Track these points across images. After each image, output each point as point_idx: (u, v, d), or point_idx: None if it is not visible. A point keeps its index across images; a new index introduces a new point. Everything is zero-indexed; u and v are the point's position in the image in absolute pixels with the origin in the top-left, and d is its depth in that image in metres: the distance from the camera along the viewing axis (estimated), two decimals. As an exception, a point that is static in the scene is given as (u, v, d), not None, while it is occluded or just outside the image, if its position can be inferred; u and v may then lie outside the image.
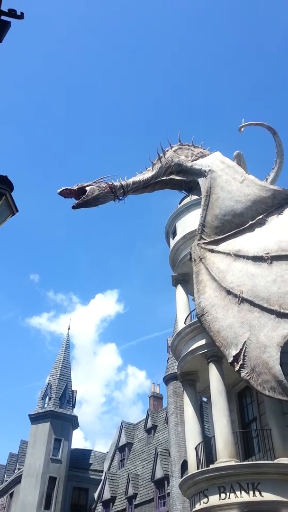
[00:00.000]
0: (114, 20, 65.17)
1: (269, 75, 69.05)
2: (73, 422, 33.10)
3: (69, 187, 15.07)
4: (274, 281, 12.57)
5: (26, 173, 75.78)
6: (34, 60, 69.07)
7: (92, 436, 78.66)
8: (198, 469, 12.83)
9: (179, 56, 68.51)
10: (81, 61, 70.36)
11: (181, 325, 15.43)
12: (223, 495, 11.24)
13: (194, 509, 12.26)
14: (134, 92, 72.86)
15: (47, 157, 78.10)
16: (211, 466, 11.96)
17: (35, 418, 32.04)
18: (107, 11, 64.21)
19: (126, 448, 30.58)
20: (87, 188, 15.07)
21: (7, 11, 5.72)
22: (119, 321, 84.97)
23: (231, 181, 15.09)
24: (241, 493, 10.99)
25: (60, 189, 15.01)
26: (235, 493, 11.06)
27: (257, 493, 10.86)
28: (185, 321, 15.36)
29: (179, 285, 16.76)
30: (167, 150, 17.17)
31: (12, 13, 5.74)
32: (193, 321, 14.39)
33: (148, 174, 16.53)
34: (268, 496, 10.77)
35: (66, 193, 15.07)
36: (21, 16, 7.73)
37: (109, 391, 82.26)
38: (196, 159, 16.88)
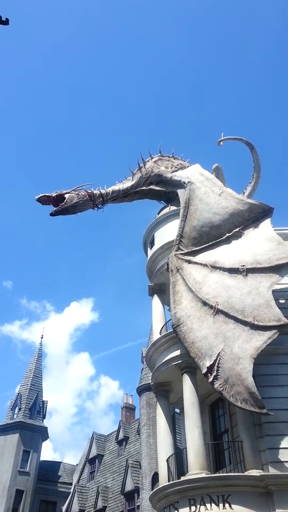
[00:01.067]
0: (101, 25, 65.74)
1: (251, 89, 70.77)
2: (43, 434, 32.47)
3: (47, 194, 14.94)
4: (249, 293, 12.72)
5: (3, 178, 74.93)
6: (15, 69, 68.83)
7: (62, 447, 77.17)
8: (169, 481, 12.71)
9: (161, 68, 69.53)
10: (62, 67, 70.52)
11: (156, 335, 15.40)
12: (193, 508, 11.15)
13: (164, 522, 12.12)
14: (116, 103, 73.42)
15: (26, 163, 77.52)
16: (182, 478, 11.87)
17: (4, 429, 31.29)
18: (94, 19, 64.78)
19: (97, 460, 30.13)
20: (66, 196, 14.98)
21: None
22: (93, 330, 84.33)
23: (210, 193, 15.29)
24: (211, 505, 10.92)
25: (38, 196, 14.87)
26: (205, 506, 10.99)
27: (227, 505, 10.81)
28: (160, 332, 15.34)
29: (155, 295, 16.76)
30: (148, 161, 17.29)
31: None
32: (168, 331, 14.38)
33: (128, 183, 16.58)
34: (237, 509, 10.74)
35: (44, 200, 14.94)
36: (6, 22, 7.71)
37: (80, 401, 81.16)
38: (176, 171, 17.05)
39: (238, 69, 67.71)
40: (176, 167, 17.36)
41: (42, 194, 14.88)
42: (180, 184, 16.01)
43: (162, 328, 15.51)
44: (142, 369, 23.95)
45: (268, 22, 60.42)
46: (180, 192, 15.88)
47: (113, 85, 71.95)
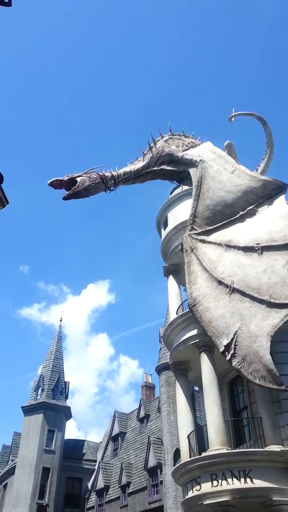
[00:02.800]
0: (103, 12, 64.36)
1: (262, 65, 68.83)
2: (66, 413, 33.24)
3: (59, 178, 14.96)
4: (265, 271, 12.65)
5: (16, 164, 75.08)
6: (23, 50, 68.12)
7: (85, 426, 79.27)
8: (190, 457, 12.97)
9: (171, 45, 67.97)
10: (69, 50, 69.53)
11: (173, 315, 15.49)
12: (215, 483, 11.38)
13: (186, 497, 12.42)
14: (126, 83, 72.27)
15: (38, 148, 77.41)
16: (203, 454, 12.10)
17: (28, 410, 32.12)
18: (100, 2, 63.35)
19: (119, 437, 30.83)
20: (78, 179, 14.97)
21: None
22: (111, 311, 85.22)
23: (222, 171, 15.08)
24: (232, 480, 11.14)
25: (51, 180, 14.90)
26: (226, 480, 11.21)
27: (248, 480, 11.01)
28: (177, 312, 15.42)
29: (170, 275, 16.79)
30: (158, 140, 17.08)
31: (-1, 0, 5.68)
32: (185, 311, 14.45)
33: (139, 164, 16.44)
34: (259, 483, 10.93)
35: (56, 184, 14.97)
36: (8, 3, 7.60)
37: (101, 381, 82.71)
38: (187, 149, 16.82)
39: (248, 41, 65.77)
40: (187, 146, 17.12)
41: (54, 178, 14.89)
42: (192, 163, 15.82)
43: (178, 308, 15.58)
44: (160, 348, 24.20)
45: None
46: (192, 171, 15.70)
47: (122, 64, 70.78)
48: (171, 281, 16.70)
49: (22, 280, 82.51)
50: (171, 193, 17.61)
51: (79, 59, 70.66)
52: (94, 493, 29.59)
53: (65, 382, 34.66)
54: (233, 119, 17.53)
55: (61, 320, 38.86)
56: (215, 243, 14.01)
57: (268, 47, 66.51)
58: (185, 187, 16.58)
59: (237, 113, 17.52)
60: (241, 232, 13.90)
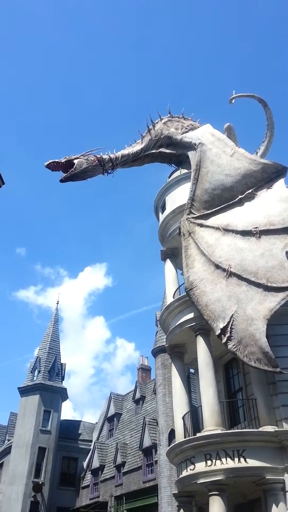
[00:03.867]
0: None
1: (263, 46, 67.79)
2: (62, 394, 33.60)
3: (56, 160, 14.75)
4: (262, 255, 12.67)
5: (13, 145, 74.21)
6: (20, 37, 66.69)
7: (81, 407, 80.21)
8: (185, 437, 13.17)
9: (170, 26, 66.67)
10: (68, 37, 68.12)
11: (169, 299, 15.55)
12: (209, 462, 11.58)
13: (180, 476, 12.66)
14: (123, 65, 71.09)
15: (35, 130, 76.42)
16: (198, 435, 12.28)
17: (25, 391, 32.44)
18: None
19: (115, 418, 31.25)
20: (75, 161, 14.78)
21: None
22: (108, 295, 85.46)
23: (221, 154, 14.96)
24: (226, 460, 11.34)
25: (48, 162, 14.70)
26: (220, 460, 11.40)
27: (242, 459, 11.21)
28: (173, 295, 15.47)
29: (168, 259, 16.80)
30: (157, 122, 16.87)
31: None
32: (181, 295, 14.49)
33: (137, 147, 16.27)
34: (252, 462, 11.14)
35: (53, 166, 14.78)
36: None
37: (98, 363, 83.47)
38: (186, 132, 16.64)
39: (249, 21, 64.60)
40: (186, 128, 16.93)
41: (51, 160, 14.70)
42: (191, 146, 15.67)
43: (175, 292, 15.63)
44: (157, 332, 24.36)
45: None
46: (191, 154, 15.56)
47: (120, 46, 69.47)
48: (168, 265, 16.72)
49: (18, 262, 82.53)
50: (169, 177, 17.49)
51: (77, 41, 69.34)
52: (90, 472, 30.12)
53: (62, 364, 34.96)
54: (233, 101, 17.32)
55: (57, 303, 38.98)
56: (213, 227, 13.98)
57: (269, 27, 65.45)
58: (184, 171, 16.45)
59: (237, 95, 17.30)
60: (239, 216, 13.87)
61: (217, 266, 13.06)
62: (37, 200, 78.62)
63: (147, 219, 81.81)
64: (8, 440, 34.62)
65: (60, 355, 35.29)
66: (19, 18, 65.91)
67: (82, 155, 15.02)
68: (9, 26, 64.86)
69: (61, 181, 14.92)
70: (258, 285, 12.23)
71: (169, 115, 17.38)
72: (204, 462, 11.66)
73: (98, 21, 68.40)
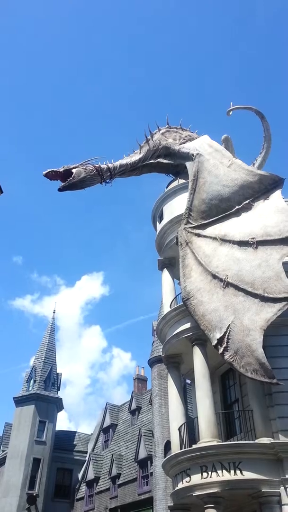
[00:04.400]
0: (102, 1, 63.68)
1: (261, 58, 68.63)
2: (58, 405, 33.34)
3: (55, 169, 14.82)
4: (259, 265, 12.69)
5: (11, 153, 74.53)
6: (19, 40, 67.38)
7: (77, 417, 79.46)
8: (181, 449, 13.06)
9: (169, 37, 67.52)
10: (69, 43, 68.85)
11: (166, 308, 15.52)
12: (205, 474, 11.47)
13: (176, 488, 12.52)
14: (123, 75, 71.79)
15: (34, 138, 76.84)
16: (194, 446, 12.18)
17: (20, 401, 32.17)
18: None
19: (110, 429, 30.98)
20: (74, 171, 14.85)
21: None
22: (104, 304, 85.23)
23: (219, 165, 15.06)
24: (222, 472, 11.23)
25: (46, 171, 14.77)
26: (216, 472, 11.30)
27: (238, 472, 11.11)
28: (170, 305, 15.45)
29: (165, 269, 16.80)
30: (155, 133, 17.00)
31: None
32: (178, 305, 14.48)
33: (135, 157, 16.37)
34: (248, 475, 11.04)
35: (52, 175, 14.84)
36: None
37: (93, 373, 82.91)
38: (184, 142, 16.76)
39: (245, 36, 65.49)
40: (184, 139, 17.06)
41: (50, 170, 14.77)
42: (189, 157, 15.78)
43: (172, 301, 15.62)
44: (153, 342, 24.28)
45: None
46: (188, 164, 15.67)
47: (120, 56, 70.23)
48: (165, 275, 16.72)
49: (15, 271, 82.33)
50: (167, 187, 17.57)
51: (76, 49, 70.07)
52: (84, 484, 29.76)
53: (57, 373, 34.75)
54: (231, 113, 17.47)
55: (54, 312, 38.90)
56: (210, 237, 14.02)
57: (267, 40, 66.33)
58: (182, 181, 16.54)
59: (235, 107, 17.47)
60: (236, 226, 13.92)
61: (214, 276, 13.07)
62: (35, 208, 78.80)
63: (145, 228, 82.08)
64: (3, 451, 34.23)
65: (56, 364, 35.09)
66: (17, 27, 66.65)
67: (80, 165, 15.10)
68: (8, 33, 65.55)
69: (59, 190, 14.97)
70: (255, 295, 12.23)
71: (167, 125, 17.52)
72: (200, 474, 11.56)
73: (98, 32, 69.24)
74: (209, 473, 11.38)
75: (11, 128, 74.18)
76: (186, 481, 11.91)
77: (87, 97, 74.80)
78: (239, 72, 69.43)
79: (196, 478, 11.64)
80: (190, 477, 11.83)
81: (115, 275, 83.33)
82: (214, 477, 11.27)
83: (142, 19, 66.19)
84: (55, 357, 35.54)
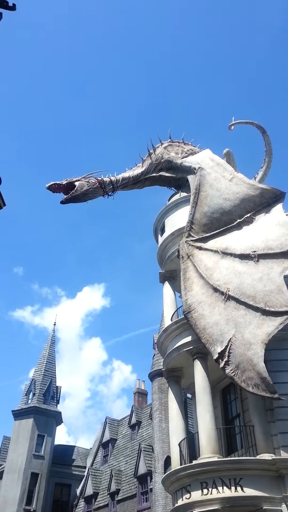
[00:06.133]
0: (106, 12, 64.89)
1: (262, 72, 69.52)
2: (57, 418, 33.00)
3: (58, 182, 14.98)
4: (260, 279, 12.69)
5: (14, 165, 75.10)
6: (24, 52, 68.48)
7: (76, 430, 78.56)
8: (181, 465, 12.89)
9: (171, 53, 68.55)
10: (71, 53, 69.94)
11: (167, 321, 15.47)
12: (205, 491, 11.31)
13: (176, 505, 12.33)
14: (126, 88, 72.72)
15: (36, 151, 77.53)
16: (194, 462, 12.04)
17: (18, 414, 31.85)
18: (100, 4, 63.91)
19: (110, 444, 30.60)
20: (76, 183, 15.00)
21: (-1, 2, 5.68)
22: (105, 316, 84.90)
23: (220, 179, 15.17)
24: (223, 488, 11.08)
25: (49, 184, 14.92)
26: (217, 489, 11.14)
27: (239, 488, 10.95)
28: (171, 318, 15.40)
29: (166, 281, 16.79)
30: (157, 147, 17.17)
31: (4, 4, 5.72)
32: (179, 318, 14.43)
33: (138, 170, 16.52)
34: (249, 492, 10.87)
35: (54, 188, 14.99)
36: (13, 8, 7.66)
37: (93, 386, 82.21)
38: (186, 156, 16.92)
39: (247, 51, 66.47)
40: (186, 153, 17.23)
41: (53, 182, 14.92)
42: (191, 170, 15.91)
43: (173, 314, 15.57)
44: (154, 355, 24.12)
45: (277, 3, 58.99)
46: (190, 178, 15.78)
47: (123, 69, 71.24)
48: (167, 287, 16.70)
49: (16, 281, 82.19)
50: (169, 200, 17.67)
51: (80, 62, 71.10)
52: (83, 500, 29.29)
53: (57, 386, 34.47)
54: (232, 127, 17.68)
55: (55, 325, 38.75)
56: (211, 250, 14.05)
57: (269, 54, 67.27)
58: (183, 194, 16.64)
59: (236, 122, 17.67)
60: (237, 239, 13.96)
61: (216, 289, 13.06)
62: (37, 220, 79.10)
63: (146, 241, 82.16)
64: (0, 465, 33.78)
65: (55, 377, 34.83)
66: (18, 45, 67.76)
67: (83, 177, 15.25)
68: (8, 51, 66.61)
69: (62, 202, 15.09)
70: (256, 309, 12.20)
71: (169, 140, 17.71)
72: (200, 491, 11.39)
73: (101, 48, 70.35)
74: (210, 489, 11.22)
75: (13, 140, 74.92)
76: (186, 498, 11.73)
77: (90, 110, 75.73)
78: (241, 86, 70.32)
79: (196, 495, 11.46)
80: (190, 494, 11.66)
81: (116, 287, 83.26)
82: (215, 493, 11.10)
83: (145, 32, 67.34)
84: (55, 370, 35.30)
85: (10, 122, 73.60)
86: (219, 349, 12.00)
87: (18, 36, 63.73)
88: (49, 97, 72.87)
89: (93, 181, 15.33)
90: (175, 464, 13.26)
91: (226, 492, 11.01)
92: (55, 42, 68.32)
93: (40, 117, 74.43)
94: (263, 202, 14.61)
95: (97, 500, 27.90)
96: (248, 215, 14.43)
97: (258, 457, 11.36)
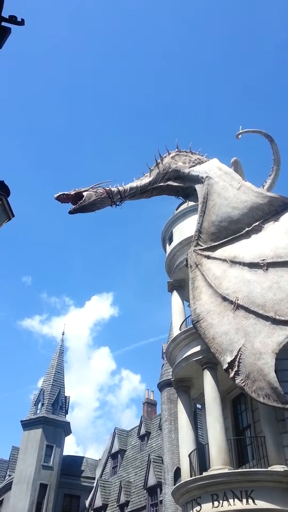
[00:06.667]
0: (112, 24, 65.70)
1: (268, 81, 69.72)
2: (66, 429, 32.85)
3: (66, 192, 15.08)
4: (270, 287, 12.60)
5: (23, 176, 75.81)
6: (31, 64, 69.41)
7: (85, 441, 78.05)
8: (191, 476, 12.73)
9: (177, 61, 69.09)
10: (79, 66, 70.77)
11: (176, 331, 15.40)
12: (216, 503, 11.15)
13: (186, 517, 12.16)
14: (133, 98, 73.32)
15: (45, 162, 78.24)
16: (204, 474, 11.88)
17: (27, 424, 31.77)
18: (106, 14, 64.75)
19: (119, 455, 30.36)
20: (84, 194, 15.08)
21: (8, 17, 5.72)
22: (113, 325, 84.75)
23: (228, 187, 15.17)
24: (234, 501, 10.91)
25: (57, 194, 15.02)
26: (228, 501, 10.98)
27: (250, 500, 10.78)
28: (180, 328, 15.33)
29: (174, 291, 16.75)
30: (165, 156, 17.25)
31: (13, 19, 5.76)
32: (188, 327, 14.36)
33: (145, 180, 16.58)
34: (261, 504, 10.70)
35: (63, 198, 15.08)
36: (21, 23, 7.76)
37: (102, 396, 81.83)
38: (194, 166, 16.97)
39: (254, 59, 66.79)
40: (194, 162, 17.28)
41: (61, 193, 15.01)
42: (198, 179, 15.93)
43: (182, 324, 15.50)
44: (163, 364, 23.98)
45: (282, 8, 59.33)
46: (198, 187, 15.80)
47: (129, 80, 71.90)
48: (175, 297, 16.65)
49: (24, 291, 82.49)
50: (177, 209, 17.69)
51: (86, 72, 71.90)
52: (92, 511, 29.00)
53: (66, 397, 34.37)
54: (240, 136, 17.72)
55: (63, 334, 38.78)
56: (220, 259, 14.01)
57: (278, 60, 67.48)
58: (191, 203, 16.66)
59: (244, 131, 17.71)
60: (246, 248, 13.91)
61: (224, 298, 12.99)
62: (45, 230, 79.54)
63: (154, 250, 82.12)
64: (9, 475, 33.63)
65: (64, 387, 34.75)
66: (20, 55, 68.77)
67: (91, 188, 15.33)
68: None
69: (70, 212, 15.16)
70: (266, 318, 12.10)
71: (177, 149, 17.79)
72: (211, 503, 11.23)
73: (107, 57, 71.15)
74: (220, 501, 11.06)
75: (22, 151, 75.71)
76: (197, 510, 11.57)
77: (98, 120, 76.40)
78: (248, 95, 70.58)
79: (207, 507, 11.30)
80: (200, 506, 11.50)
81: (124, 296, 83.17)
82: (226, 506, 10.94)
83: (152, 39, 67.98)
84: (64, 380, 35.24)
85: (19, 133, 74.48)
86: (228, 359, 11.90)
87: (28, 49, 64.72)
88: (58, 107, 73.74)
89: (101, 191, 15.41)
90: (185, 476, 13.10)
91: (237, 504, 10.84)
92: (61, 53, 69.26)
93: (48, 128, 75.22)
94: (271, 211, 14.56)
95: (106, 511, 27.64)
96: (257, 223, 14.38)
97: (269, 468, 11.18)
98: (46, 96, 72.01)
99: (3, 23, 5.61)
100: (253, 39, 64.01)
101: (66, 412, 33.66)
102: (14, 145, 72.64)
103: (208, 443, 12.51)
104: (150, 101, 73.58)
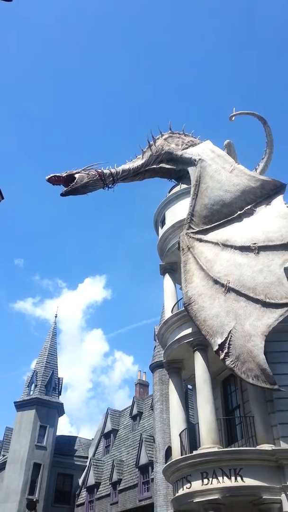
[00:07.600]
0: (109, 10, 64.21)
1: (261, 65, 68.91)
2: (59, 409, 33.26)
3: (57, 174, 14.93)
4: (261, 271, 12.68)
5: (12, 158, 74.87)
6: (23, 47, 67.91)
7: (78, 421, 79.20)
8: (182, 455, 12.99)
9: (172, 43, 67.89)
10: (72, 50, 69.38)
11: (168, 314, 15.51)
12: (205, 481, 11.40)
13: (176, 494, 12.45)
14: (126, 80, 72.17)
15: (36, 144, 77.21)
16: (195, 452, 12.12)
17: (21, 405, 32.11)
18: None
19: (111, 434, 30.87)
20: (76, 176, 14.95)
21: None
22: (106, 307, 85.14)
23: (221, 170, 15.10)
24: (223, 478, 11.16)
25: (49, 176, 14.87)
26: (217, 479, 11.23)
27: (238, 478, 11.04)
28: (172, 310, 15.44)
29: (167, 274, 16.80)
30: (158, 138, 17.07)
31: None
32: (180, 310, 14.46)
33: (138, 162, 16.45)
34: (249, 482, 10.96)
35: (54, 180, 14.93)
36: (9, -1, 7.52)
37: (95, 377, 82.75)
38: (187, 148, 16.83)
39: (249, 38, 65.81)
40: (187, 144, 17.13)
41: (53, 174, 14.87)
42: (191, 162, 15.83)
43: (173, 306, 15.60)
44: (155, 346, 24.22)
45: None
46: (191, 169, 15.72)
47: (122, 62, 70.65)
48: (167, 280, 16.71)
49: (16, 273, 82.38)
50: (169, 192, 17.61)
51: (79, 55, 70.54)
52: (85, 489, 29.63)
53: (59, 378, 34.70)
54: (233, 118, 17.55)
55: (56, 317, 38.93)
56: (212, 242, 14.03)
57: (270, 45, 66.62)
58: (184, 186, 16.58)
59: (237, 113, 17.54)
60: (238, 231, 13.94)
61: (216, 281, 13.07)
62: (37, 212, 78.99)
63: (147, 232, 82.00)
64: (3, 455, 34.13)
65: (57, 369, 35.05)
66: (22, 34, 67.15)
67: (83, 170, 15.19)
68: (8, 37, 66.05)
69: (62, 195, 15.05)
70: (256, 301, 12.22)
71: (170, 131, 17.60)
72: (201, 481, 11.49)
73: (100, 38, 69.71)
74: (210, 479, 11.32)
75: (12, 133, 74.59)
76: (187, 488, 11.84)
77: (89, 102, 75.25)
78: (242, 77, 69.73)
79: (196, 485, 11.57)
80: (190, 484, 11.77)
81: (117, 278, 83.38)
82: (215, 483, 11.20)
83: (145, 26, 66.65)
84: (57, 362, 35.52)
85: (8, 114, 73.25)
86: (219, 341, 12.04)
87: (18, 28, 63.18)
88: (48, 89, 72.45)
89: (93, 173, 15.27)
90: (176, 455, 13.37)
91: (226, 482, 11.09)
92: (56, 35, 67.73)
93: (38, 109, 74.02)
94: (263, 194, 14.55)
95: (99, 489, 28.23)
96: (249, 207, 14.38)
97: (258, 447, 11.44)
98: (36, 76, 70.68)
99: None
100: (248, 20, 62.95)
101: (59, 393, 34.02)
102: (3, 127, 71.52)
103: (198, 423, 12.73)
104: (143, 83, 72.52)
